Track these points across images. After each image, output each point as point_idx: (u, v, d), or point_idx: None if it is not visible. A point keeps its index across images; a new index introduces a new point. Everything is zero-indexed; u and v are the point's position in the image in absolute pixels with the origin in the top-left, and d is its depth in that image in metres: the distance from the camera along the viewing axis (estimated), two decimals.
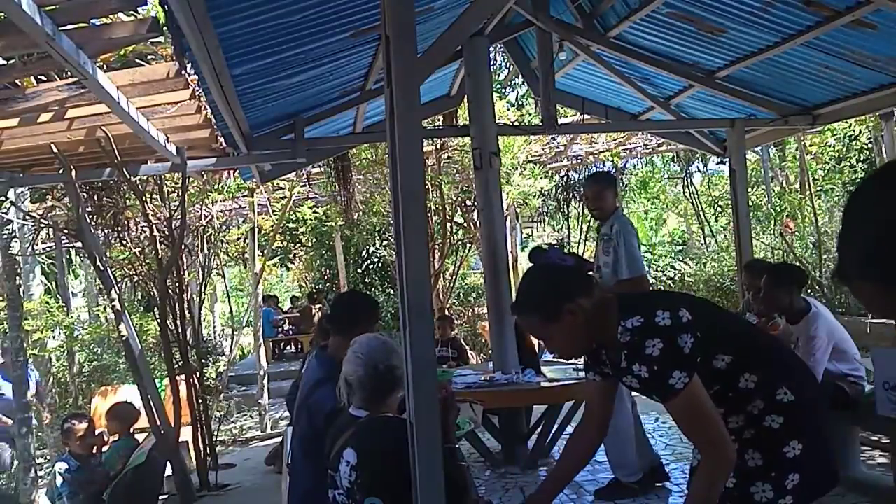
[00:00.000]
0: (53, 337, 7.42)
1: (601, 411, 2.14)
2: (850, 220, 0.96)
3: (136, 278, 6.86)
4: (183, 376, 5.80)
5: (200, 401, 6.08)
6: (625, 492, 4.39)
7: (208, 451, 6.04)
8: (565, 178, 14.49)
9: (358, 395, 2.27)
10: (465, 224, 10.90)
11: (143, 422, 5.35)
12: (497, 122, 5.77)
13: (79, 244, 5.99)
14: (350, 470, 2.12)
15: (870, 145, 10.93)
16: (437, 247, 10.05)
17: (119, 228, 6.87)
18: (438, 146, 9.39)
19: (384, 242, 13.79)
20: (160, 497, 5.28)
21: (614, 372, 1.97)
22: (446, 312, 9.20)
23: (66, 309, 7.85)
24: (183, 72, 3.82)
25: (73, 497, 4.47)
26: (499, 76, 12.60)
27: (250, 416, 9.11)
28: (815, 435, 1.90)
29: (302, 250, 15.95)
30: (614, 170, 13.89)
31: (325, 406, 2.65)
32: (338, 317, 3.02)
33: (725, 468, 1.80)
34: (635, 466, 4.40)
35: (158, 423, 5.29)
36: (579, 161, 11.98)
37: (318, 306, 13.40)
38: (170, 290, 5.73)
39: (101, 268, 5.40)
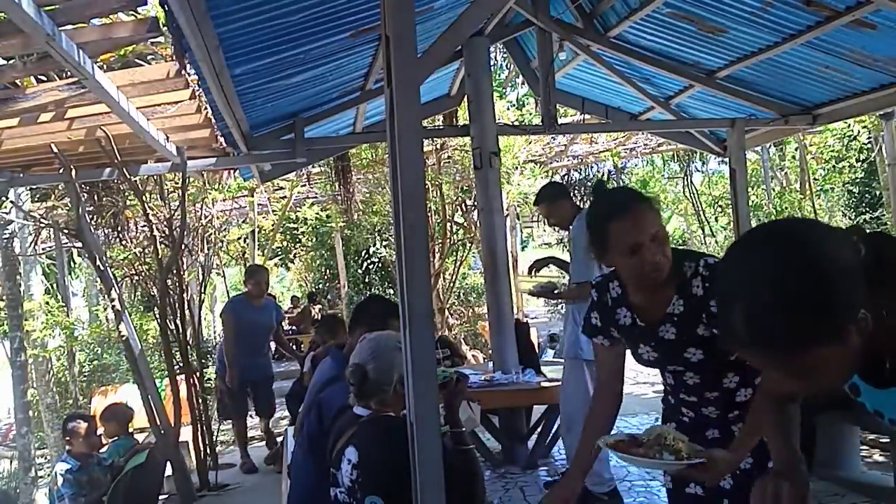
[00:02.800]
0: (53, 337, 7.42)
1: (615, 377, 2.14)
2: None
3: (136, 278, 6.86)
4: (183, 376, 5.80)
5: (200, 400, 6.08)
6: (597, 500, 4.22)
7: (208, 451, 6.04)
8: (566, 178, 14.51)
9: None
10: (465, 224, 10.91)
11: (143, 422, 5.35)
12: (497, 122, 5.77)
13: (79, 244, 6.00)
14: (351, 468, 2.12)
15: (869, 145, 10.94)
16: (437, 247, 10.06)
17: (119, 228, 6.88)
18: (438, 146, 9.40)
19: (384, 242, 13.80)
20: (160, 497, 5.28)
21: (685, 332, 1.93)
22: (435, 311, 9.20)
23: (66, 309, 7.85)
24: (183, 72, 3.82)
25: (76, 498, 4.47)
26: (499, 76, 12.61)
27: (250, 416, 9.11)
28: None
29: (302, 250, 15.96)
30: (613, 170, 13.92)
31: (335, 403, 2.68)
32: (354, 319, 3.06)
33: None
34: (603, 476, 4.24)
35: (158, 422, 5.30)
36: (579, 161, 11.99)
37: (318, 307, 13.41)
38: (170, 290, 5.73)
39: (102, 268, 5.40)
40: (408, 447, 2.10)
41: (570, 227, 4.39)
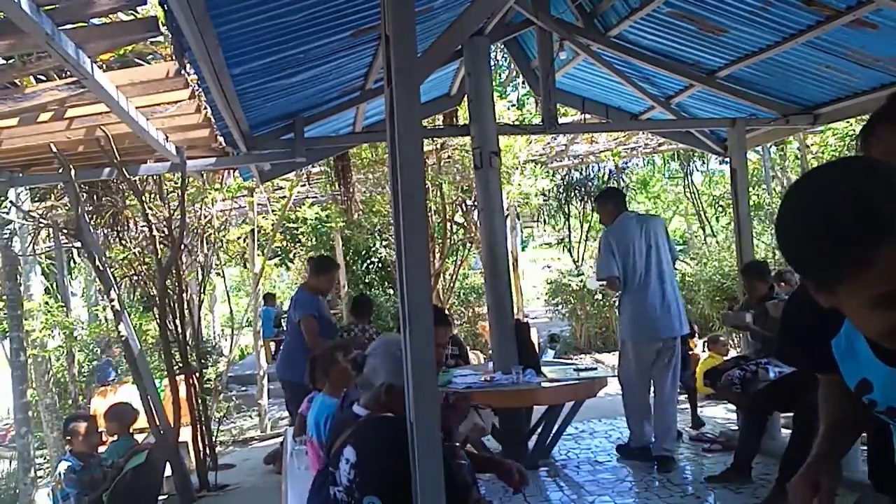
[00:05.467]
0: (53, 337, 7.41)
1: None
2: None
3: (135, 278, 6.86)
4: (182, 376, 5.79)
5: (200, 401, 6.07)
6: (631, 453, 5.05)
7: (208, 452, 6.04)
8: (566, 178, 14.50)
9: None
10: (465, 224, 10.91)
11: (142, 422, 5.34)
12: (497, 121, 5.76)
13: (78, 244, 5.99)
14: (349, 468, 2.11)
15: None
16: (437, 247, 10.05)
17: (118, 228, 6.88)
18: (438, 146, 9.40)
19: (384, 242, 13.79)
20: (160, 497, 5.27)
21: None
22: (445, 312, 9.19)
23: (65, 309, 7.84)
24: (182, 71, 3.81)
25: (80, 497, 4.47)
26: (499, 76, 12.60)
27: (250, 417, 9.12)
28: None
29: (302, 250, 15.94)
30: (614, 170, 13.93)
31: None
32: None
33: None
34: (635, 433, 5.03)
35: (158, 423, 5.29)
36: (580, 160, 11.99)
37: None
38: (169, 290, 5.72)
39: (101, 267, 5.39)
40: (406, 448, 2.09)
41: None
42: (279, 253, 15.26)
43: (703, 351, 7.50)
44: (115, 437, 4.99)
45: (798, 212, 0.97)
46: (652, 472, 4.78)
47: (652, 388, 5.02)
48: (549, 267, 14.95)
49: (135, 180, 5.48)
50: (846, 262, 0.91)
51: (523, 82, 10.61)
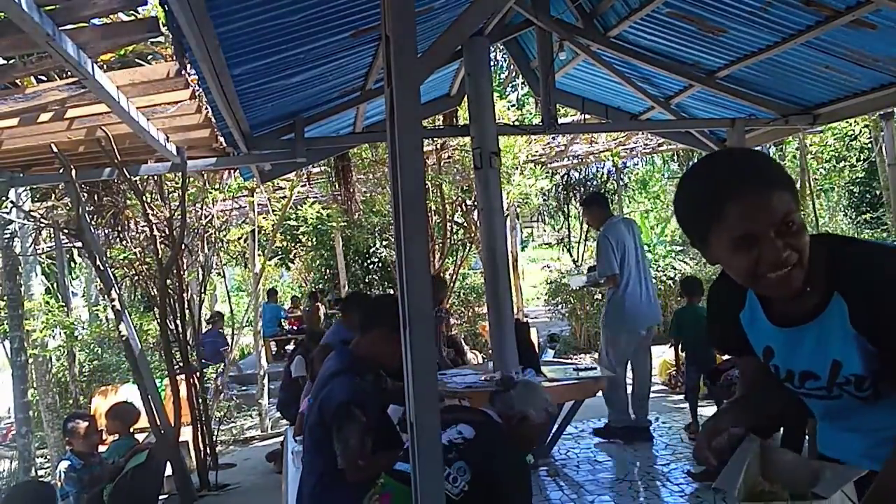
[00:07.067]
0: (53, 337, 7.41)
1: None
2: None
3: (136, 278, 6.86)
4: (183, 376, 5.80)
5: (200, 401, 6.08)
6: (612, 432, 5.46)
7: (208, 451, 6.04)
8: (566, 178, 14.50)
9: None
10: (465, 224, 10.90)
11: (143, 421, 5.35)
12: (497, 122, 5.77)
13: (79, 244, 6.00)
14: (461, 437, 2.43)
15: (869, 145, 10.93)
16: (437, 247, 10.05)
17: (119, 228, 6.88)
18: (439, 146, 9.39)
19: (384, 242, 13.79)
20: (160, 497, 5.28)
21: None
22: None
23: (66, 309, 7.84)
24: (183, 72, 3.82)
25: (80, 496, 4.48)
26: (499, 76, 12.60)
27: (250, 416, 9.12)
28: None
29: (302, 250, 15.95)
30: (614, 170, 13.94)
31: (335, 398, 2.71)
32: (371, 317, 3.11)
33: None
34: (621, 412, 5.42)
35: (158, 422, 5.30)
36: (580, 161, 11.99)
37: (321, 307, 13.37)
38: (170, 290, 5.72)
39: (102, 267, 5.40)
40: (507, 456, 2.45)
41: (600, 229, 5.55)
42: (279, 253, 15.26)
43: None
44: (116, 437, 5.00)
45: (680, 188, 1.39)
46: (651, 470, 4.79)
47: (630, 370, 5.60)
48: (548, 267, 14.93)
49: (135, 180, 5.49)
50: (706, 215, 1.28)
51: (523, 82, 10.62)
